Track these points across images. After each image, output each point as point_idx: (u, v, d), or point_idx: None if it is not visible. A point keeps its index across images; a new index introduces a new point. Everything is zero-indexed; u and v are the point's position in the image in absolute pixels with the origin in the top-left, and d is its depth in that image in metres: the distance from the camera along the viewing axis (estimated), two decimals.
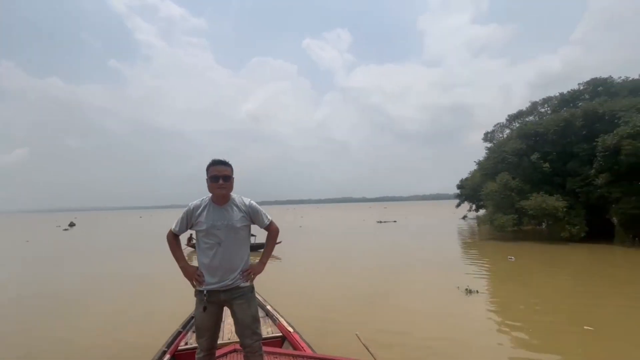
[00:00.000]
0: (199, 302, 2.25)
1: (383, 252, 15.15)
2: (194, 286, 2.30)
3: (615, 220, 16.25)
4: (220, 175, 2.25)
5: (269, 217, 2.47)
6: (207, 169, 2.30)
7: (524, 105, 21.94)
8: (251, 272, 2.35)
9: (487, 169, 21.26)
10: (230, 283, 2.23)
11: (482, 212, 33.41)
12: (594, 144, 15.08)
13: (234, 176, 2.36)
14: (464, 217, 36.95)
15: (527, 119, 21.18)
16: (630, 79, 18.09)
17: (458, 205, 38.42)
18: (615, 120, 14.85)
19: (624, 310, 6.42)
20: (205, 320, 2.23)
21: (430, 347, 4.96)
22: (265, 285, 9.49)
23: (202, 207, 2.29)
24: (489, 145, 24.54)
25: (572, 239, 15.12)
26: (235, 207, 2.34)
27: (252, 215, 2.41)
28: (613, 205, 14.72)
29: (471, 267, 10.87)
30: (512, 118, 22.76)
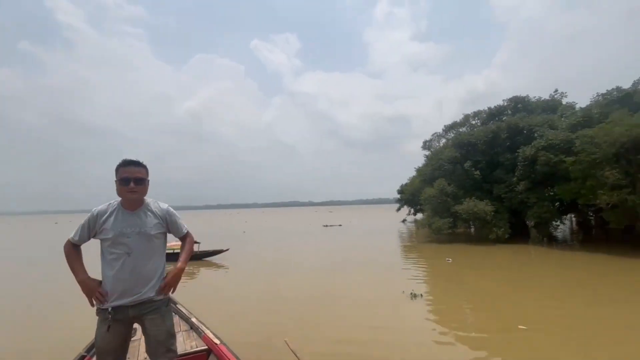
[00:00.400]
0: (101, 320, 2.01)
1: (328, 257, 14.97)
2: (92, 304, 2.04)
3: (530, 222, 18.35)
4: (131, 178, 2.05)
5: (185, 226, 2.36)
6: (117, 170, 2.09)
7: (455, 118, 24.15)
8: (167, 286, 2.14)
9: (426, 175, 22.59)
10: (140, 297, 2.03)
11: (419, 215, 35.74)
12: (516, 154, 16.86)
13: (149, 178, 2.17)
14: (404, 221, 38.98)
15: (460, 130, 23.10)
16: (542, 99, 20.78)
17: (398, 209, 40.51)
18: (533, 134, 16.81)
19: (547, 309, 6.97)
20: (109, 342, 1.98)
21: (369, 354, 4.73)
22: (204, 294, 8.61)
23: (108, 213, 2.06)
24: (427, 153, 26.20)
25: (498, 240, 16.63)
26: (149, 213, 2.15)
27: (169, 223, 2.24)
28: (530, 210, 16.55)
29: (414, 271, 11.16)
30: (447, 128, 24.66)
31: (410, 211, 36.64)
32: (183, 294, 8.81)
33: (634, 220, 13.18)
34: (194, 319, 3.96)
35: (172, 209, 2.26)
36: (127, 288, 1.99)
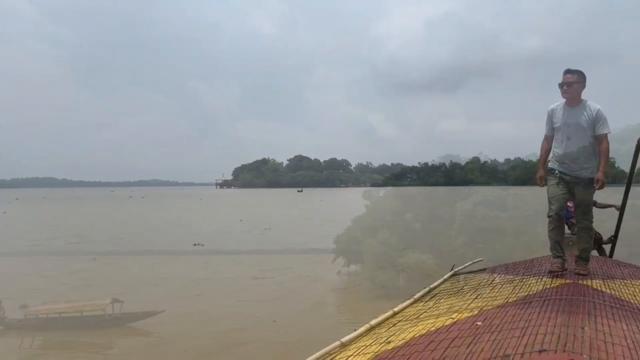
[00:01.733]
0: None
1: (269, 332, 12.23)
2: None
3: None
4: None
5: None
6: None
7: (378, 172, 24.88)
8: None
9: (367, 224, 21.94)
10: None
11: (353, 267, 34.65)
12: (454, 207, 17.30)
13: None
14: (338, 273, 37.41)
15: (401, 181, 23.70)
16: (470, 157, 22.69)
17: (334, 260, 39.01)
18: (468, 189, 17.60)
19: None
20: None
21: None
22: None
23: None
24: (367, 203, 26.06)
25: None
26: None
27: None
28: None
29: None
30: (387, 179, 25.24)
31: (346, 262, 35.50)
32: None
33: None
34: None
35: None
36: None
